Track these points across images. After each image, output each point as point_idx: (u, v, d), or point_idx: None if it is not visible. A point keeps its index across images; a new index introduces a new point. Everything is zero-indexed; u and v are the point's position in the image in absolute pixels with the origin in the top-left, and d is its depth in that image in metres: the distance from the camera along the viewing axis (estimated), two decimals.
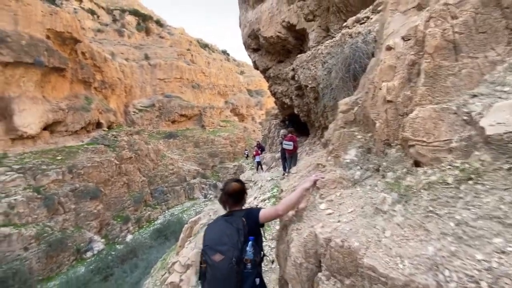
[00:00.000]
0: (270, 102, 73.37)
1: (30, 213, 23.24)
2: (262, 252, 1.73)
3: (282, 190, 2.05)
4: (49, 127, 30.80)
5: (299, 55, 9.75)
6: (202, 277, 1.67)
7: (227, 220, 1.75)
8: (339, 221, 1.24)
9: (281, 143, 8.76)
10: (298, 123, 12.35)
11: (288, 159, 8.20)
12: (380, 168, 1.32)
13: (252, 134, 62.49)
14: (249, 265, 1.57)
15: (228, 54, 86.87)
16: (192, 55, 66.54)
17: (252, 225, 1.70)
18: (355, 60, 5.44)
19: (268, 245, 3.55)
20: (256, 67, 12.41)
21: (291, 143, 7.83)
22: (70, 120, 32.50)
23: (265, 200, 5.99)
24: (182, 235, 10.76)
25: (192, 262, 7.18)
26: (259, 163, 12.77)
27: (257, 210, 1.82)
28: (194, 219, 10.96)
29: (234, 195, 1.87)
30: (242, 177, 11.71)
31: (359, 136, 1.53)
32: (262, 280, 1.70)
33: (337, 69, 5.96)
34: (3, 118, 27.13)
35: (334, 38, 7.73)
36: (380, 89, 1.35)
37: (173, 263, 9.73)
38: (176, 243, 11.67)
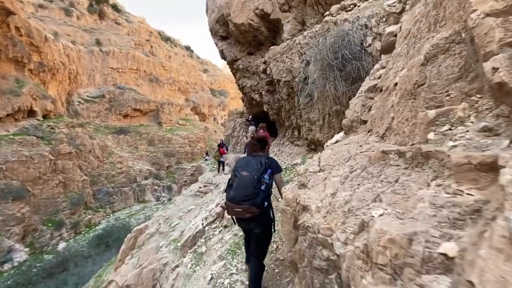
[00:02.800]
0: (233, 104, 72.07)
1: None
2: (271, 188, 2.31)
3: (309, 210, 1.00)
4: None
5: (272, 47, 8.91)
6: (229, 187, 2.35)
7: (253, 157, 2.46)
8: None
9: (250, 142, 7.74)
10: (264, 122, 11.46)
11: None
12: None
13: (213, 134, 60.45)
14: (263, 186, 2.18)
15: (191, 51, 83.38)
16: (151, 46, 62.19)
17: (269, 165, 2.33)
18: (344, 46, 4.70)
19: None
20: (224, 57, 11.22)
21: None
22: None
23: None
24: (123, 247, 8.95)
25: (132, 285, 5.65)
26: (222, 163, 11.49)
27: (277, 167, 2.45)
28: (140, 227, 9.24)
29: (262, 141, 2.62)
30: (202, 179, 10.37)
31: None
32: (270, 205, 2.32)
33: (320, 58, 5.18)
34: None
35: (314, 28, 7.04)
36: None
37: (109, 282, 7.95)
38: (116, 256, 9.77)
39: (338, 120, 6.10)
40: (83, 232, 27.69)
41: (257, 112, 13.50)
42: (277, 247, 2.81)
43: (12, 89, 29.12)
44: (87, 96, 46.21)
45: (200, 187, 9.41)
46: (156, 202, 35.78)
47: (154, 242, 7.28)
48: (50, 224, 25.79)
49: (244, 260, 2.87)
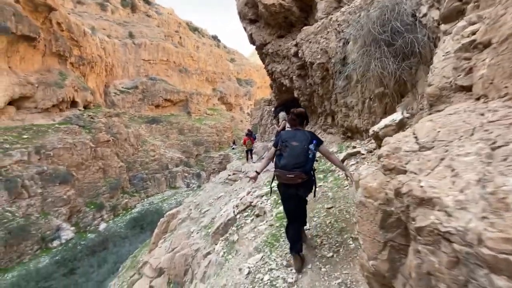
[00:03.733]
0: (259, 93, 71.54)
1: None
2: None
3: (442, 205, 0.69)
4: (15, 102, 27.81)
5: (305, 27, 8.33)
6: (278, 156, 2.54)
7: (296, 130, 2.71)
8: None
9: (283, 129, 7.49)
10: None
11: None
12: None
13: (239, 124, 60.83)
14: (311, 154, 2.45)
15: (218, 40, 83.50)
16: (180, 37, 63.23)
17: (311, 138, 2.54)
18: (394, 17, 4.10)
19: None
20: (252, 42, 10.83)
21: None
22: (40, 96, 29.52)
23: (262, 196, 4.62)
24: (156, 230, 9.28)
25: (165, 269, 5.76)
26: (251, 152, 11.38)
27: (320, 139, 2.68)
28: (172, 212, 9.48)
29: (300, 116, 2.83)
30: (230, 167, 10.34)
31: None
32: (314, 172, 2.63)
33: (363, 33, 4.61)
34: None
35: (353, 3, 6.37)
36: None
37: (144, 263, 8.30)
38: (150, 238, 10.19)
39: (381, 104, 5.51)
40: (120, 215, 29.72)
41: (285, 99, 13.01)
42: (321, 242, 2.52)
43: (57, 81, 31.41)
44: (122, 87, 48.62)
45: (229, 175, 9.36)
46: (186, 189, 37.19)
47: (186, 228, 7.37)
48: (92, 206, 27.99)
49: (283, 254, 2.61)
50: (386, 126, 3.44)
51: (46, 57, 32.71)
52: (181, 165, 42.51)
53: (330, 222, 2.72)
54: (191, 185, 38.30)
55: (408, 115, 3.66)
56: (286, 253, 2.54)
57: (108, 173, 31.50)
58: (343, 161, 4.30)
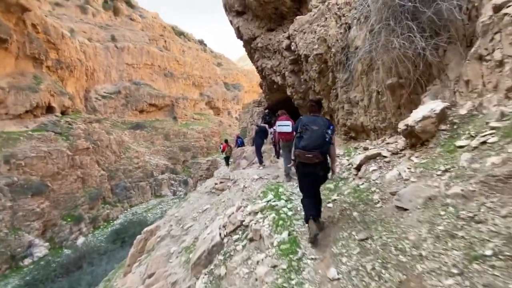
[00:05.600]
0: (247, 98, 70.74)
1: None
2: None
3: None
4: None
5: (298, 17, 7.51)
6: (298, 138, 2.79)
7: (315, 116, 2.94)
8: None
9: (261, 131, 7.14)
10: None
11: (284, 149, 5.79)
12: None
13: (227, 128, 59.66)
14: (327, 138, 2.69)
15: (205, 45, 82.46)
16: (165, 41, 61.84)
17: (329, 124, 2.79)
18: None
19: None
20: (240, 36, 9.91)
21: (289, 123, 5.41)
22: (11, 101, 27.44)
23: (257, 213, 3.59)
24: (132, 250, 8.05)
25: None
26: (227, 159, 10.74)
27: (334, 126, 2.94)
28: (151, 228, 8.28)
29: (319, 102, 3.20)
30: (218, 174, 9.27)
31: None
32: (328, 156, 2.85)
33: (378, 7, 3.74)
34: None
35: None
36: None
37: None
38: (126, 259, 8.91)
39: (394, 97, 4.64)
40: (101, 227, 27.78)
41: (276, 99, 12.15)
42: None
43: (30, 85, 29.40)
44: (104, 92, 46.55)
45: (216, 183, 8.28)
46: (172, 197, 35.54)
47: (165, 248, 6.24)
48: (69, 219, 25.97)
49: None
50: (424, 118, 2.56)
51: (19, 60, 30.63)
52: (167, 172, 40.81)
53: (373, 269, 1.67)
54: (177, 192, 36.69)
55: (447, 104, 2.80)
56: None
57: (88, 182, 29.53)
58: (359, 166, 3.38)
